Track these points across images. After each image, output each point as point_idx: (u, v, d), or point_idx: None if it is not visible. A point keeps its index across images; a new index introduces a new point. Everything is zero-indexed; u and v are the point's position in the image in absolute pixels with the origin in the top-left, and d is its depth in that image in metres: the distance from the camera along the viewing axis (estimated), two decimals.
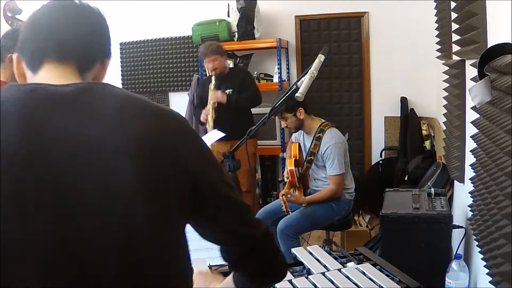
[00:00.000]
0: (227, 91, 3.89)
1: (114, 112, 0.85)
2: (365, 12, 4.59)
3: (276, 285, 1.53)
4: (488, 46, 1.51)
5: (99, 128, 0.82)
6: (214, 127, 3.73)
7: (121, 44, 5.41)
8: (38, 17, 0.93)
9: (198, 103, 4.21)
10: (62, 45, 0.90)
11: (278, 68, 4.58)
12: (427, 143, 4.24)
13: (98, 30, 0.96)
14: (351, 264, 1.70)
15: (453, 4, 2.36)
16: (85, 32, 0.93)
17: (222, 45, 3.97)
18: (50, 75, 0.90)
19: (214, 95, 3.82)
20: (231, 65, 4.67)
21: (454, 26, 2.33)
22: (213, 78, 3.85)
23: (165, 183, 0.87)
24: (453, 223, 2.30)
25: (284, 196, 2.94)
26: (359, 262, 1.72)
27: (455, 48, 2.48)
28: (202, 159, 0.96)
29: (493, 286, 1.38)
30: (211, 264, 1.71)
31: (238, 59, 4.81)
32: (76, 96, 0.84)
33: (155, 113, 0.91)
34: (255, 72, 4.80)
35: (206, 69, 3.93)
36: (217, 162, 1.01)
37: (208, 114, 3.84)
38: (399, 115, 4.50)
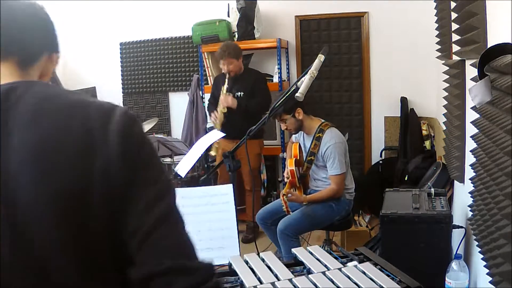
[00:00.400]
0: (238, 93, 3.97)
1: (29, 117, 0.79)
2: (365, 12, 4.59)
3: (277, 284, 1.53)
4: (488, 46, 1.52)
5: (16, 137, 0.77)
6: (222, 128, 3.82)
7: (121, 44, 5.42)
8: None
9: (211, 100, 4.28)
10: (2, 43, 0.87)
11: (278, 68, 4.58)
12: (427, 143, 4.24)
13: (39, 24, 0.93)
14: (351, 264, 1.70)
15: (453, 4, 2.36)
16: (24, 27, 0.89)
17: (239, 46, 4.02)
18: None
19: (225, 100, 3.90)
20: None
21: (454, 26, 2.33)
22: (226, 80, 3.93)
23: (76, 201, 0.78)
24: (453, 223, 2.30)
25: (284, 196, 2.94)
26: (359, 262, 1.72)
27: (455, 48, 2.49)
28: (129, 169, 0.81)
29: (493, 286, 1.38)
30: None
31: None
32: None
33: (73, 112, 0.82)
34: None
35: (222, 68, 3.98)
36: (160, 178, 0.85)
37: (217, 117, 3.92)
38: (399, 115, 4.50)
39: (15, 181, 0.75)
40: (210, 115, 4.19)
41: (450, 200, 2.91)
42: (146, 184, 0.83)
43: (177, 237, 0.84)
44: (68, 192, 0.77)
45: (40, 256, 0.76)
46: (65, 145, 0.78)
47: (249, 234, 4.15)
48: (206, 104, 4.71)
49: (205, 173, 4.22)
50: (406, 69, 4.47)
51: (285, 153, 4.08)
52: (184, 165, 2.87)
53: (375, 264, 1.68)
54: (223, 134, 3.09)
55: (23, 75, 0.89)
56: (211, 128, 4.25)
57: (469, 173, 2.10)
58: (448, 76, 2.80)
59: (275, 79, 4.64)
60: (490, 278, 1.41)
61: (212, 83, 4.56)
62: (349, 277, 1.56)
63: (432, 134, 4.25)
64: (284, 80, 4.70)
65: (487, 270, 1.44)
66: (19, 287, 0.77)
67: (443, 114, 3.07)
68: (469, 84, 1.98)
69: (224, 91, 3.93)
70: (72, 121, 0.80)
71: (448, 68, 2.80)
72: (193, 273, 0.80)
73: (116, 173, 0.79)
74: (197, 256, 0.84)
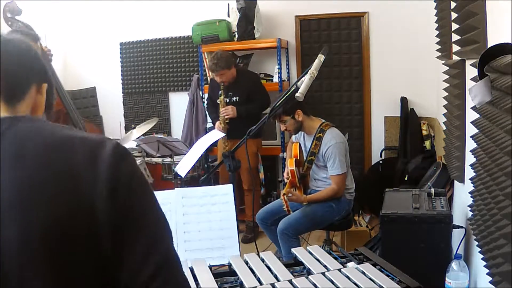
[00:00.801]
0: (234, 98, 4.02)
1: (10, 155, 0.76)
2: (365, 12, 4.59)
3: (276, 285, 1.53)
4: (488, 46, 1.51)
5: None
6: (227, 131, 3.92)
7: (121, 44, 5.42)
8: None
9: (209, 102, 4.35)
10: None
11: (278, 68, 4.58)
12: (427, 143, 4.24)
13: (22, 58, 0.90)
14: (351, 264, 1.70)
15: (453, 4, 2.36)
16: (10, 61, 0.86)
17: (229, 54, 4.04)
18: None
19: (225, 112, 3.96)
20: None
21: (454, 26, 2.33)
22: (221, 91, 3.97)
23: (63, 244, 0.75)
24: (453, 223, 2.30)
25: (285, 196, 2.94)
26: (359, 262, 1.72)
27: (455, 48, 2.48)
28: (119, 212, 0.77)
29: (493, 286, 1.38)
30: (211, 264, 1.71)
31: (238, 59, 4.81)
32: None
33: (58, 150, 0.78)
34: (255, 72, 4.80)
35: (215, 79, 4.01)
36: (154, 222, 0.82)
37: (221, 127, 3.98)
38: (399, 115, 4.50)
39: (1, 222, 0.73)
40: (212, 120, 4.28)
41: (450, 200, 2.91)
42: (139, 227, 0.79)
43: (177, 281, 0.81)
44: (51, 233, 0.73)
45: None
46: (48, 186, 0.75)
47: (249, 234, 4.15)
48: (205, 105, 4.74)
49: (205, 173, 4.22)
50: (406, 69, 4.47)
51: (285, 153, 4.08)
52: (184, 165, 2.87)
53: (375, 264, 1.68)
54: (223, 134, 3.09)
55: (11, 112, 0.86)
56: (211, 128, 4.27)
57: (469, 173, 2.10)
58: (448, 76, 2.80)
59: (275, 79, 4.64)
60: (490, 278, 1.41)
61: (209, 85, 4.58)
62: (349, 278, 1.56)
63: (432, 134, 4.25)
64: (284, 80, 4.70)
65: (487, 270, 1.44)
66: None
67: (443, 114, 3.07)
68: (469, 84, 1.98)
69: (221, 100, 3.99)
70: (58, 161, 0.77)
71: (448, 68, 2.80)
72: None
73: (104, 216, 0.76)
74: None
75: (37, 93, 0.92)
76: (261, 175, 4.58)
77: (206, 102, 4.45)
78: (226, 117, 3.98)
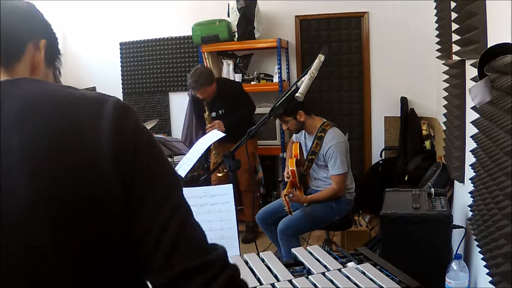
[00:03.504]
0: (220, 111, 4.00)
1: (14, 117, 0.75)
2: (365, 12, 4.59)
3: (277, 285, 1.53)
4: (488, 46, 1.51)
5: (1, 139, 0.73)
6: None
7: (121, 44, 5.41)
8: None
9: (198, 121, 4.36)
10: None
11: (278, 68, 4.58)
12: (427, 143, 4.24)
13: (18, 14, 0.87)
14: (351, 264, 1.70)
15: (453, 4, 2.36)
16: (2, 21, 0.84)
17: (208, 71, 3.95)
18: None
19: (212, 128, 3.89)
20: (231, 67, 4.68)
21: (454, 26, 2.33)
22: (205, 107, 3.92)
23: (72, 206, 0.74)
24: (453, 223, 2.30)
25: (286, 196, 2.94)
26: (359, 262, 1.72)
27: (455, 48, 2.48)
28: (126, 166, 0.77)
29: (493, 286, 1.38)
30: None
31: (238, 59, 4.81)
32: None
33: (61, 108, 0.77)
34: (255, 72, 4.80)
35: (197, 95, 3.95)
36: (163, 171, 0.81)
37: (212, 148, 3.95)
38: (399, 115, 4.50)
39: (5, 185, 0.72)
40: (201, 130, 4.23)
41: (450, 200, 2.91)
42: (148, 180, 0.79)
43: (190, 233, 0.80)
44: (59, 193, 0.73)
45: (32, 260, 0.74)
46: (54, 145, 0.74)
47: (249, 234, 4.15)
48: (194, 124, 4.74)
49: (205, 173, 4.22)
50: (406, 69, 4.47)
51: (285, 153, 4.08)
52: (184, 165, 2.87)
53: (375, 264, 1.68)
54: (223, 134, 3.09)
55: (9, 74, 0.84)
56: None
57: (469, 173, 2.10)
58: (448, 76, 2.80)
59: (275, 79, 4.64)
60: (490, 278, 1.41)
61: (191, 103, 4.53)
62: (349, 278, 1.56)
63: (432, 134, 4.25)
64: (284, 80, 4.70)
65: (487, 270, 1.44)
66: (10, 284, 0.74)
67: (443, 114, 3.07)
68: (469, 84, 1.98)
69: (206, 117, 3.95)
70: (61, 119, 0.76)
71: (448, 68, 2.80)
72: (208, 267, 0.78)
73: (111, 171, 0.75)
74: (209, 246, 0.81)
75: (35, 51, 0.89)
76: (260, 175, 4.58)
77: (194, 122, 4.43)
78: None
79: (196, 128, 4.56)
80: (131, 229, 0.78)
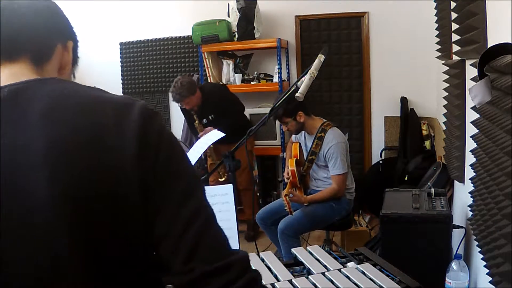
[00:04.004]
0: (210, 116, 4.00)
1: (41, 116, 0.75)
2: (365, 12, 4.59)
3: (277, 285, 1.53)
4: (488, 46, 1.51)
5: (24, 138, 0.74)
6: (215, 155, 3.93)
7: (121, 44, 5.41)
8: None
9: (191, 129, 4.37)
10: (13, 42, 0.83)
11: (278, 68, 4.58)
12: (427, 143, 4.24)
13: (49, 14, 0.89)
14: (351, 264, 1.70)
15: (453, 4, 2.36)
16: (34, 21, 0.85)
17: (189, 80, 3.93)
18: (3, 77, 0.82)
19: (205, 134, 3.87)
20: (231, 66, 4.68)
21: (454, 26, 2.33)
22: (194, 116, 3.93)
23: (94, 206, 0.74)
24: (453, 223, 2.30)
25: (287, 197, 2.94)
26: (359, 262, 1.72)
27: (455, 48, 2.48)
28: (149, 170, 0.77)
29: (493, 286, 1.38)
30: None
31: (238, 59, 4.81)
32: (7, 101, 0.76)
33: (87, 109, 0.78)
34: (255, 72, 4.80)
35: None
36: (184, 173, 0.81)
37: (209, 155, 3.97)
38: (399, 115, 4.50)
39: (27, 183, 0.73)
40: (195, 136, 4.25)
41: (450, 200, 2.91)
42: (170, 183, 0.79)
43: (211, 235, 0.80)
44: (81, 193, 0.74)
45: (50, 260, 0.74)
46: (78, 144, 0.74)
47: (251, 232, 4.15)
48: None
49: (205, 173, 4.22)
50: (406, 69, 4.47)
51: (285, 153, 4.08)
52: None
53: (375, 264, 1.68)
54: (223, 134, 3.08)
55: (39, 73, 0.85)
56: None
57: (469, 173, 2.10)
58: (448, 76, 2.80)
59: (275, 79, 4.64)
60: (490, 278, 1.41)
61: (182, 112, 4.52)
62: (349, 278, 1.56)
63: (432, 134, 4.25)
64: (284, 80, 4.70)
65: (487, 270, 1.44)
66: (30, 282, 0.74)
67: (443, 114, 3.07)
68: (469, 84, 1.98)
69: (199, 127, 3.96)
70: (87, 120, 0.76)
71: (448, 68, 2.80)
72: (228, 270, 0.77)
73: (134, 174, 0.76)
74: (230, 250, 0.81)
75: (64, 52, 0.91)
76: (255, 172, 4.58)
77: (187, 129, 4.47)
78: None
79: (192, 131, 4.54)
80: (150, 230, 0.78)
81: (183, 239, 0.77)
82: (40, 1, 0.88)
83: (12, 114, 0.75)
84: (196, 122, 3.96)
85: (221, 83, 4.65)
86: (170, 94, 3.89)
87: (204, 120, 4.02)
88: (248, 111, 4.44)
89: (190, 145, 4.08)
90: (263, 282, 1.52)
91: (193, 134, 4.43)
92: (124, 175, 0.75)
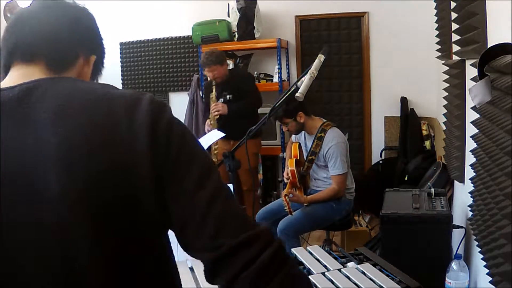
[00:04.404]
0: (228, 96, 3.96)
1: (52, 114, 0.75)
2: (365, 12, 4.59)
3: None
4: (488, 46, 1.51)
5: (35, 136, 0.74)
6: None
7: (121, 44, 5.42)
8: (17, 17, 0.88)
9: (205, 108, 4.33)
10: (30, 45, 0.85)
11: (278, 68, 4.58)
12: (427, 143, 4.24)
13: (78, 26, 0.90)
14: (351, 264, 1.69)
15: (453, 4, 2.36)
16: (59, 29, 0.86)
17: (222, 52, 3.99)
18: (14, 77, 0.83)
19: (215, 108, 3.90)
20: (231, 66, 4.68)
21: (454, 26, 2.33)
22: (213, 87, 3.91)
23: (108, 203, 0.75)
24: (453, 223, 2.30)
25: (286, 197, 2.93)
26: (359, 262, 1.72)
27: (455, 48, 2.48)
28: (167, 159, 0.78)
29: (493, 286, 1.38)
30: None
31: (238, 59, 4.81)
32: (19, 98, 0.77)
33: (98, 106, 0.78)
34: (255, 72, 4.80)
35: (207, 76, 3.96)
36: (198, 158, 0.82)
37: (211, 125, 3.92)
38: (399, 115, 4.50)
39: (40, 180, 0.73)
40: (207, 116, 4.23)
41: (450, 200, 2.91)
42: (185, 171, 0.79)
43: (233, 210, 0.82)
44: (95, 191, 0.74)
45: (65, 259, 0.74)
46: (90, 141, 0.75)
47: None
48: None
49: None
50: (406, 69, 4.47)
51: (285, 153, 4.08)
52: None
53: (375, 264, 1.67)
54: (223, 134, 3.09)
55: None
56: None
57: (469, 173, 2.10)
58: (448, 76, 2.80)
59: (275, 79, 4.64)
60: (490, 278, 1.41)
61: (197, 88, 4.54)
62: (349, 278, 1.56)
63: (432, 134, 4.24)
64: (284, 80, 4.70)
65: (487, 270, 1.44)
66: (43, 283, 0.74)
67: (443, 114, 3.07)
68: (469, 84, 1.98)
69: (213, 97, 3.94)
70: (97, 117, 0.77)
71: (448, 68, 2.80)
72: (254, 242, 0.78)
73: (147, 169, 0.76)
74: (252, 222, 0.83)
75: (84, 65, 0.92)
76: (260, 176, 4.57)
77: (198, 106, 4.46)
78: (216, 114, 3.89)
79: (196, 126, 4.54)
80: (168, 220, 0.79)
81: (207, 219, 0.78)
82: (74, 12, 0.90)
83: (23, 112, 0.76)
84: (213, 93, 3.92)
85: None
86: (200, 60, 3.94)
87: (221, 99, 3.99)
88: None
89: None
90: None
91: (206, 112, 4.34)
92: (138, 173, 0.76)
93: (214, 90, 3.91)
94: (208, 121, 4.03)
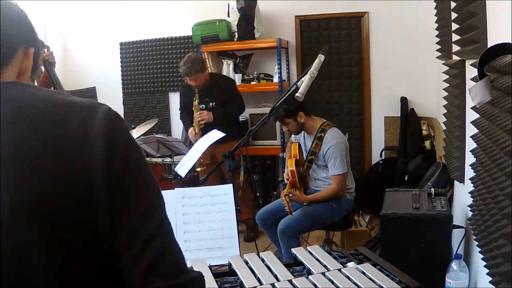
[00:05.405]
0: (211, 103, 3.99)
1: (1, 122, 0.73)
2: (365, 12, 4.59)
3: (277, 285, 1.53)
4: (488, 46, 1.51)
5: None
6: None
7: (121, 44, 5.41)
8: None
9: (183, 110, 4.28)
10: None
11: (278, 68, 4.58)
12: (427, 143, 4.24)
13: (14, 20, 0.87)
14: (351, 264, 1.69)
15: (453, 4, 2.36)
16: None
17: (201, 57, 3.99)
18: None
19: (200, 117, 3.89)
20: (231, 66, 4.68)
21: (454, 26, 2.33)
22: (196, 95, 3.91)
23: (60, 220, 0.73)
24: (453, 223, 2.30)
25: (286, 197, 2.93)
26: (359, 262, 1.72)
27: (455, 48, 2.49)
28: (113, 179, 0.76)
29: (493, 286, 1.38)
30: (211, 264, 1.71)
31: (238, 59, 4.81)
32: None
33: (51, 115, 0.75)
34: (255, 72, 4.80)
35: (189, 83, 3.93)
36: (149, 189, 0.81)
37: (196, 134, 3.92)
38: (399, 115, 4.50)
39: None
40: (185, 127, 4.19)
41: (450, 200, 2.91)
42: (134, 194, 0.79)
43: (170, 252, 0.81)
44: (44, 200, 0.72)
45: (24, 274, 0.72)
46: (41, 151, 0.72)
47: (250, 233, 4.15)
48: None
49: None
50: (406, 69, 4.47)
51: (285, 153, 4.08)
52: (184, 165, 2.87)
53: (375, 264, 1.67)
54: (223, 134, 3.09)
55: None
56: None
57: (469, 173, 2.10)
58: (448, 76, 2.80)
59: (275, 79, 4.64)
60: (490, 278, 1.41)
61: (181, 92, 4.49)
62: (349, 278, 1.56)
63: (432, 134, 4.25)
64: (284, 80, 4.70)
65: (487, 270, 1.44)
66: None
67: (443, 114, 3.07)
68: (469, 84, 1.98)
69: (196, 105, 3.93)
70: (49, 127, 0.74)
71: (448, 68, 2.80)
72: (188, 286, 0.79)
73: (99, 181, 0.74)
74: (186, 266, 0.82)
75: (24, 57, 0.89)
76: (241, 177, 4.57)
77: (179, 110, 4.37)
78: (201, 122, 3.90)
79: (184, 119, 4.49)
80: (113, 240, 0.78)
81: (145, 251, 0.77)
82: (7, 7, 0.87)
83: None
84: (197, 101, 3.92)
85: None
86: (180, 69, 3.87)
87: (203, 106, 4.00)
88: (248, 111, 4.45)
89: (190, 145, 4.07)
90: (263, 282, 1.52)
91: (183, 123, 4.32)
92: (90, 186, 0.74)
93: (197, 97, 3.92)
94: (191, 129, 4.01)
